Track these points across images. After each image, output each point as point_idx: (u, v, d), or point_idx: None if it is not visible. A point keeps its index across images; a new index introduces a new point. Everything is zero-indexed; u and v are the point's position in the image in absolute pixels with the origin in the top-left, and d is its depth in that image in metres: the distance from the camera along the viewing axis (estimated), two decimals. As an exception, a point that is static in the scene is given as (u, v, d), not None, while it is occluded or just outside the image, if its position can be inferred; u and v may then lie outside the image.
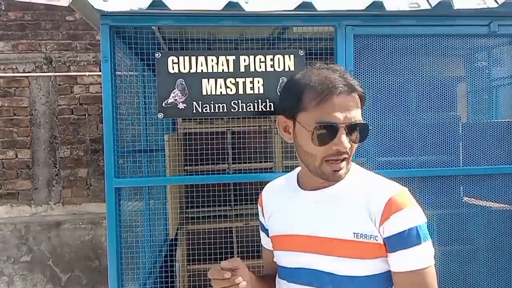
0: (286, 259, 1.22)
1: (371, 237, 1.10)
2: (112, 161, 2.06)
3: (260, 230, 1.38)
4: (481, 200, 2.33)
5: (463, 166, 2.32)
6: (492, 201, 2.32)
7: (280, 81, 2.01)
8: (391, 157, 2.22)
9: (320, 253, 1.15)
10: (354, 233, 1.11)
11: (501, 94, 2.49)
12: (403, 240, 1.07)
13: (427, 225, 1.11)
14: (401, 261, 1.08)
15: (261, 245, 1.40)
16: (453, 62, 2.40)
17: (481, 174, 2.28)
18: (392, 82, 2.17)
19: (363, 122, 1.10)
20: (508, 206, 2.32)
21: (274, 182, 1.35)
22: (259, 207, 1.35)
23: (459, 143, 2.38)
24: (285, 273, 1.23)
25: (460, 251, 2.30)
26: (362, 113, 1.11)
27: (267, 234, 1.33)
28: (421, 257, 1.08)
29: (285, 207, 1.24)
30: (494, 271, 2.30)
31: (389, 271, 1.11)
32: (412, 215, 1.09)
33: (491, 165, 2.28)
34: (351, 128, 1.08)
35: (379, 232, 1.09)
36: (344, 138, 1.07)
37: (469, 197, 2.37)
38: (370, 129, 1.12)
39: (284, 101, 1.17)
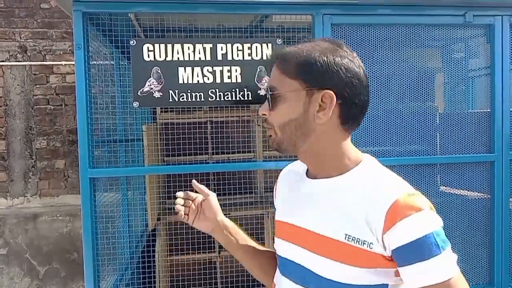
0: (280, 247, 1.15)
1: (364, 243, 0.95)
2: (87, 151, 2.02)
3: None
4: (458, 189, 2.36)
5: (440, 155, 2.34)
6: (468, 190, 2.35)
7: (258, 70, 1.99)
8: (369, 147, 2.23)
9: (308, 249, 1.05)
10: (346, 235, 0.97)
11: (477, 85, 2.52)
12: (417, 251, 0.90)
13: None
14: (420, 275, 0.91)
15: None
16: (430, 53, 2.41)
17: (457, 162, 2.31)
18: (369, 72, 2.16)
19: (270, 86, 1.03)
20: (483, 194, 2.36)
21: (292, 166, 1.25)
22: (275, 187, 1.29)
23: (436, 133, 2.40)
24: (279, 262, 1.16)
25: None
26: (291, 83, 1.00)
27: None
28: (444, 267, 0.91)
29: (289, 192, 1.18)
30: (470, 260, 2.34)
31: (385, 285, 0.97)
32: (425, 219, 0.92)
33: (467, 154, 2.31)
34: (268, 95, 1.03)
35: (383, 242, 0.93)
36: (263, 105, 1.06)
37: (446, 186, 2.40)
38: (279, 95, 1.00)
39: None
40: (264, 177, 3.62)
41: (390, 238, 0.92)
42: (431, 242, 0.90)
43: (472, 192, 2.36)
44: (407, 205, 0.92)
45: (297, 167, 1.20)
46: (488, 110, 2.31)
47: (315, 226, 1.04)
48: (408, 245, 0.90)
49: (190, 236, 3.00)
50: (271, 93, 1.02)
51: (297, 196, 1.12)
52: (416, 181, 2.29)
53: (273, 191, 1.30)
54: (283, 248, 1.13)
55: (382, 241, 0.93)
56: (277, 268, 1.19)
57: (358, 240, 0.95)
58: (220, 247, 3.22)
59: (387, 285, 0.97)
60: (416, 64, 2.37)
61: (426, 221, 0.91)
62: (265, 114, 1.05)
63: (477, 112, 2.37)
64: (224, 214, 3.53)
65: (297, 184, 1.15)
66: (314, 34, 2.07)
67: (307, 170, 1.14)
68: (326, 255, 1.00)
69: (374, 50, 2.18)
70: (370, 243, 0.94)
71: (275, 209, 1.26)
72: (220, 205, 3.49)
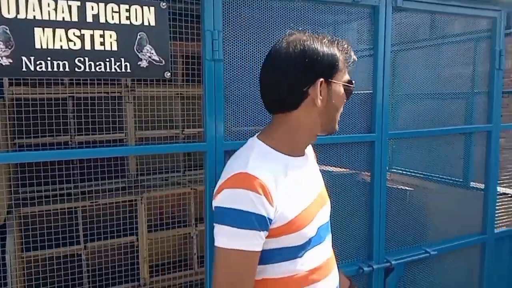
0: (311, 229, 1.28)
1: None
2: None
3: (252, 233, 1.15)
4: (342, 167, 2.38)
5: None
6: (351, 169, 2.39)
7: (138, 36, 1.69)
8: (256, 126, 2.11)
9: (323, 206, 1.39)
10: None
11: (360, 65, 2.55)
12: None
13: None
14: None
15: (246, 255, 1.16)
16: (317, 32, 2.36)
17: (340, 142, 2.31)
18: (261, 48, 2.02)
19: None
20: (364, 172, 2.42)
21: (260, 165, 1.20)
22: (263, 199, 1.14)
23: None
24: (308, 244, 1.28)
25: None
26: None
27: (267, 229, 1.18)
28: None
29: (292, 183, 1.27)
30: (353, 238, 2.39)
31: None
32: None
33: (350, 134, 2.33)
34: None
35: None
36: None
37: (330, 165, 2.41)
38: None
39: (324, 63, 1.27)
40: (137, 157, 3.33)
41: None
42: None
43: (355, 171, 2.41)
44: None
45: (267, 163, 1.23)
46: (370, 91, 2.36)
47: (318, 187, 1.43)
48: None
49: (51, 229, 2.66)
50: None
51: (302, 178, 1.32)
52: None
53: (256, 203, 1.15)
54: (315, 223, 1.31)
55: None
56: (294, 261, 1.25)
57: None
58: (85, 239, 2.92)
59: None
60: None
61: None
62: None
63: (361, 93, 2.41)
64: (91, 203, 3.16)
65: (293, 171, 1.28)
66: (204, 3, 1.83)
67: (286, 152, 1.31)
68: (327, 202, 1.47)
69: (265, 23, 2.03)
70: None
71: (264, 221, 1.16)
72: (85, 192, 3.11)
